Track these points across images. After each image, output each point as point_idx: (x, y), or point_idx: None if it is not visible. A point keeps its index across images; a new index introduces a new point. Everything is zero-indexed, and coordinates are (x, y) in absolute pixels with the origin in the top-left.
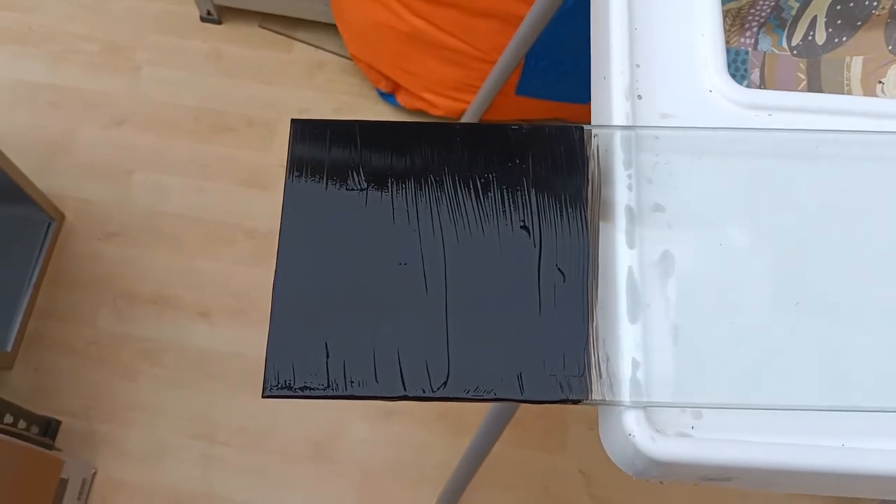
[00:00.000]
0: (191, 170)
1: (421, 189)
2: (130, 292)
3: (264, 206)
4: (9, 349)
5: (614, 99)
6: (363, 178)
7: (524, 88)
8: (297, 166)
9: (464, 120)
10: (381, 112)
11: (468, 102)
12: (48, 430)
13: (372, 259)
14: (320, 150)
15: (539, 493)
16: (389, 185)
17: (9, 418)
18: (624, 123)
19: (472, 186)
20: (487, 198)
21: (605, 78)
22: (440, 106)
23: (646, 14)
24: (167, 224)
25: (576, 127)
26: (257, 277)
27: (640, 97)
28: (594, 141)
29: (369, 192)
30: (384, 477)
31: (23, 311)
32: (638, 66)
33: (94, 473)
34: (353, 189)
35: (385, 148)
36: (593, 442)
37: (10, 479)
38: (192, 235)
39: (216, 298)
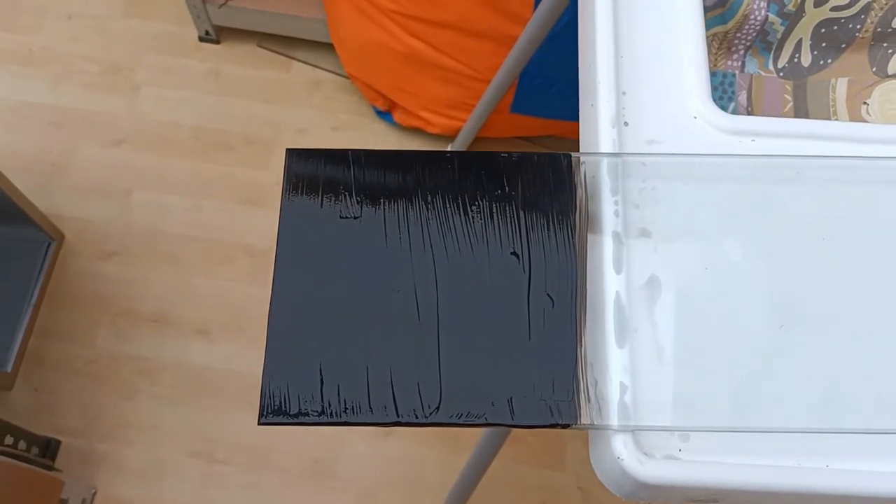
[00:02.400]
0: (190, 188)
1: (413, 216)
2: (130, 311)
3: (262, 223)
4: (9, 369)
5: (601, 126)
6: (357, 207)
7: (518, 106)
8: (292, 195)
9: (459, 137)
10: (377, 130)
11: (464, 120)
12: (48, 450)
13: (365, 287)
14: (314, 178)
15: None
16: (383, 212)
17: (9, 439)
18: (611, 150)
19: (463, 214)
20: (478, 225)
21: (592, 105)
22: (436, 124)
23: (631, 42)
24: (166, 243)
25: (563, 155)
26: (256, 295)
27: (626, 124)
28: (582, 168)
29: (363, 221)
30: (382, 494)
31: (23, 331)
32: (624, 93)
33: (94, 493)
34: (346, 217)
35: (378, 176)
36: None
37: (10, 502)
38: (190, 254)
39: (215, 316)
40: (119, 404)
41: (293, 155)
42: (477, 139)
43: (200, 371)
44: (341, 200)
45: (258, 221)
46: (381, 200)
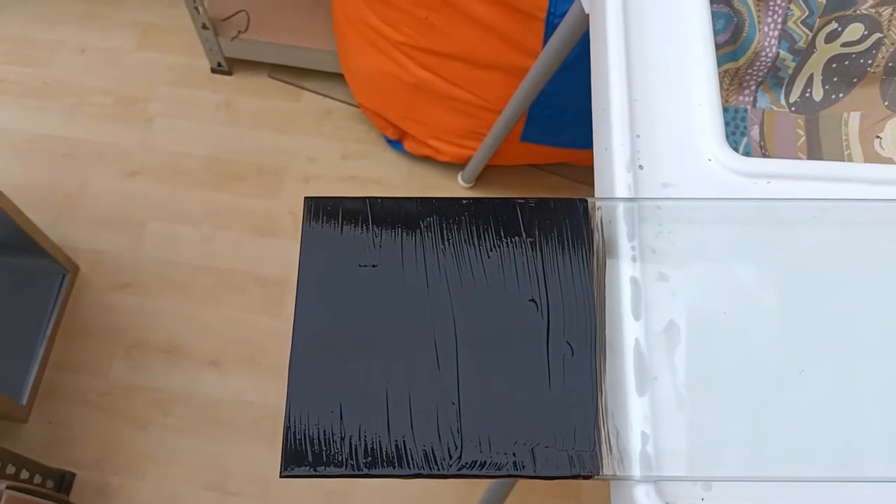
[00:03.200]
0: (202, 219)
1: (431, 263)
2: (143, 342)
3: (274, 253)
4: (24, 402)
5: (616, 171)
6: (375, 255)
7: (529, 136)
8: (311, 244)
9: (470, 165)
10: (388, 158)
11: (474, 149)
12: (63, 483)
13: (384, 335)
14: (332, 226)
15: None
16: (401, 259)
17: (25, 474)
18: (626, 195)
19: (481, 260)
20: (496, 271)
21: (606, 149)
22: (446, 153)
23: (644, 85)
24: (179, 273)
25: (580, 200)
26: (267, 325)
27: (641, 167)
28: (598, 213)
29: (381, 268)
30: None
31: (38, 364)
32: (638, 136)
33: None
34: (365, 266)
35: (395, 223)
36: (606, 489)
37: None
38: (203, 284)
39: (227, 347)
40: (133, 436)
41: (311, 203)
42: (487, 167)
43: (213, 402)
44: (359, 248)
45: (270, 251)
46: (399, 247)
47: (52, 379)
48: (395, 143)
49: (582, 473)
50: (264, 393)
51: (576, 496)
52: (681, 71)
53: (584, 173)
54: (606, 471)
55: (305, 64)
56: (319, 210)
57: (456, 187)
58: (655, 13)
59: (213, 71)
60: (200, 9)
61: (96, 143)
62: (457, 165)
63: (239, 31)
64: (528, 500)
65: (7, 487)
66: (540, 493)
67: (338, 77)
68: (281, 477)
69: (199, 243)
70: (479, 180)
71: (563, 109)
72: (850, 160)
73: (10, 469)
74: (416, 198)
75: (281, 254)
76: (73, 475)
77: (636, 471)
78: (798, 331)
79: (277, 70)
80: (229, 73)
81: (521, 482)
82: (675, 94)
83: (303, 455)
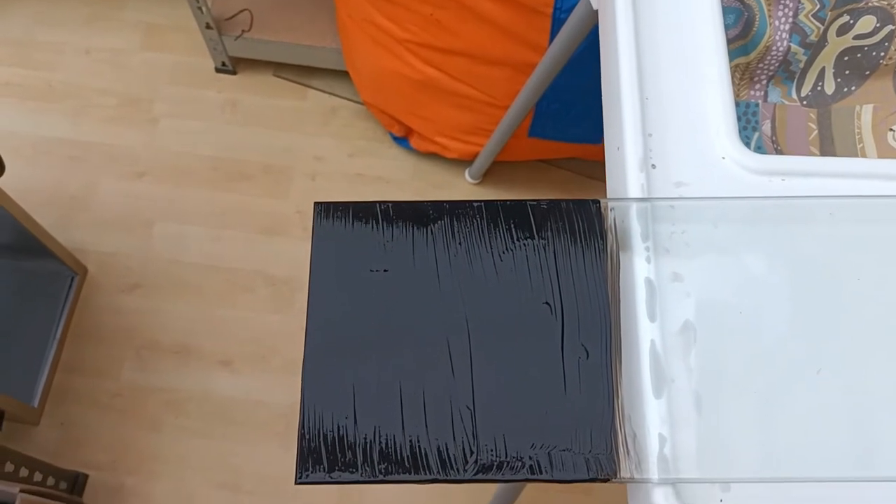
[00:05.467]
0: (210, 219)
1: (443, 268)
2: (153, 343)
3: (282, 252)
4: (35, 404)
5: (629, 170)
6: (386, 260)
7: (536, 131)
8: (321, 247)
9: (477, 161)
10: (394, 155)
11: (481, 145)
12: (76, 485)
13: (398, 341)
14: (342, 231)
15: None
16: (412, 264)
17: (38, 476)
18: (639, 195)
19: (493, 264)
20: (510, 275)
21: (618, 148)
22: (453, 149)
23: (656, 83)
24: (188, 273)
25: (592, 201)
26: (276, 324)
27: (653, 166)
28: (611, 214)
29: (392, 273)
30: None
31: (48, 366)
32: (650, 135)
33: None
34: (376, 270)
35: (406, 227)
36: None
37: None
38: (212, 284)
39: (237, 346)
40: (145, 437)
41: (321, 208)
42: (495, 163)
43: (225, 402)
44: (371, 253)
45: (278, 250)
46: (410, 251)
47: (62, 381)
48: (402, 140)
49: (599, 477)
50: (276, 391)
51: (588, 491)
52: (692, 68)
53: (594, 168)
54: (624, 474)
55: (310, 62)
56: (329, 215)
57: (463, 183)
58: (666, 9)
59: (218, 70)
60: (204, 8)
61: (102, 144)
62: (464, 162)
63: (243, 30)
64: (541, 498)
65: (21, 490)
66: (552, 488)
67: (343, 74)
68: (296, 484)
69: (208, 243)
70: (486, 176)
71: (571, 104)
72: (864, 153)
73: (24, 472)
74: (427, 201)
75: (289, 252)
76: (86, 476)
77: (654, 473)
78: (815, 329)
79: (282, 68)
80: (234, 73)
81: None
82: (687, 92)
83: (318, 461)
